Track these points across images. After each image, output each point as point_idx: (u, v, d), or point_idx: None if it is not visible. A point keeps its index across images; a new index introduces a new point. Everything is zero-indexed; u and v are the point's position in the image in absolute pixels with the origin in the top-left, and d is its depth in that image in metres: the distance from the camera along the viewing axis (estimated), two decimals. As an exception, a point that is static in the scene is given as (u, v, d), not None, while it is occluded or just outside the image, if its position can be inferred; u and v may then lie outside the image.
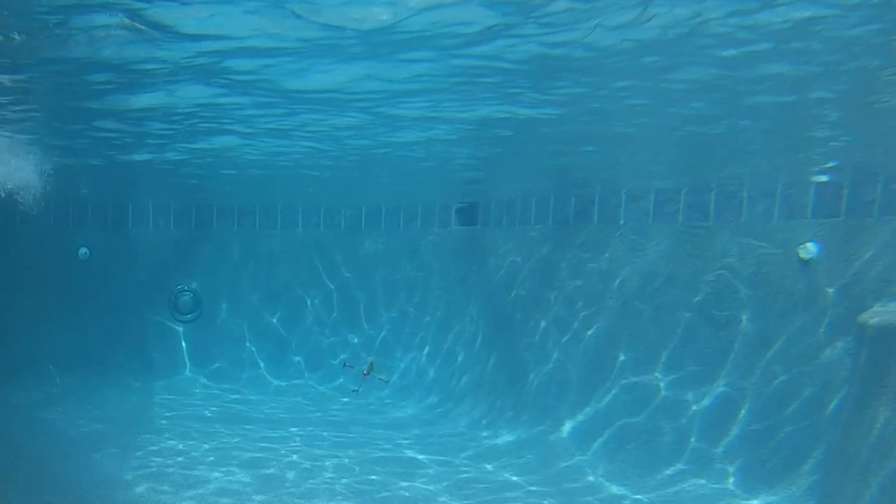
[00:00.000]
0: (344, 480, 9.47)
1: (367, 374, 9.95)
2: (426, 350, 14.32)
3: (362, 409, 13.40)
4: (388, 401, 13.88)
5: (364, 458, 10.47)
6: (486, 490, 9.32)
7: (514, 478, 9.83)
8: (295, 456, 10.46)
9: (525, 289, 12.33)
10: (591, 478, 9.84)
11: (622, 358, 10.61)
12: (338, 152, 10.07)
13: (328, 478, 9.55)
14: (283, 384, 15.02)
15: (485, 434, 11.77)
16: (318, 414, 13.11)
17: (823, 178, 9.41)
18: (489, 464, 10.41)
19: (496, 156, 10.33)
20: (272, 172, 11.84)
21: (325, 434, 11.73)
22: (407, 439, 11.55)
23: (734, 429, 9.53)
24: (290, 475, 9.59)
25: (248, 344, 15.43)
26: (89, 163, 11.50)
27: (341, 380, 14.82)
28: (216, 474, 9.51)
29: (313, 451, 10.67)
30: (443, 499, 8.95)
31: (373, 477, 9.64)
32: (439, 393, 13.64)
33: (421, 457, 10.64)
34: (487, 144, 9.49)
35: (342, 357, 13.68)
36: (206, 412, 13.02)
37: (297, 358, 15.32)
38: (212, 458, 10.16)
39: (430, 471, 10.02)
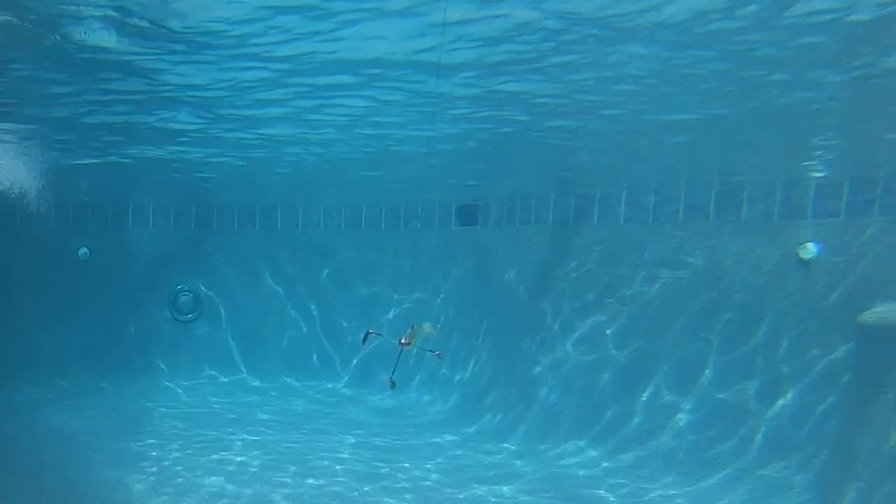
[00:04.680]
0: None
1: (408, 343, 6.23)
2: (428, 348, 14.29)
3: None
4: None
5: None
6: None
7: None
8: (296, 464, 10.48)
9: (525, 288, 12.32)
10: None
11: (623, 357, 10.64)
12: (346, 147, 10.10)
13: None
14: (288, 384, 15.02)
15: (488, 445, 11.76)
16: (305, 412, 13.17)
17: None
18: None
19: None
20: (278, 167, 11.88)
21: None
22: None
23: (733, 429, 9.54)
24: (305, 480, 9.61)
25: (248, 345, 15.41)
26: (89, 162, 11.51)
27: (347, 377, 14.86)
28: (216, 476, 9.52)
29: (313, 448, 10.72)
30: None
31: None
32: (439, 390, 13.66)
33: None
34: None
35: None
36: (207, 412, 13.00)
37: (299, 358, 15.32)
38: (214, 460, 10.16)
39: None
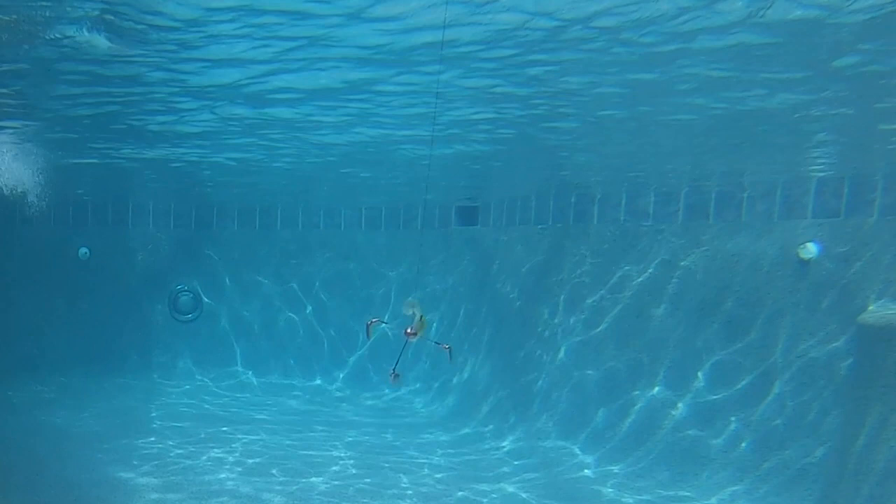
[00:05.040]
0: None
1: (415, 334, 5.78)
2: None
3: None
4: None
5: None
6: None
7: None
8: (295, 462, 10.48)
9: (526, 288, 12.31)
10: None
11: (623, 357, 10.63)
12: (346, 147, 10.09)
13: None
14: (285, 384, 15.03)
15: (489, 441, 11.76)
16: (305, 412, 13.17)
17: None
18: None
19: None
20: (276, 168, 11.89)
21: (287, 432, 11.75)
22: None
23: (733, 428, 9.53)
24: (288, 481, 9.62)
25: (247, 344, 15.42)
26: (90, 162, 11.52)
27: (344, 377, 14.88)
28: (219, 475, 9.53)
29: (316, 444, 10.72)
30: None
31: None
32: (437, 390, 13.66)
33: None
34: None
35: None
36: (206, 412, 13.01)
37: (297, 357, 15.34)
38: (212, 459, 10.17)
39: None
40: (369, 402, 14.02)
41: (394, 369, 6.18)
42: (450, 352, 6.15)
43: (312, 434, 11.72)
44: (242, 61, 6.30)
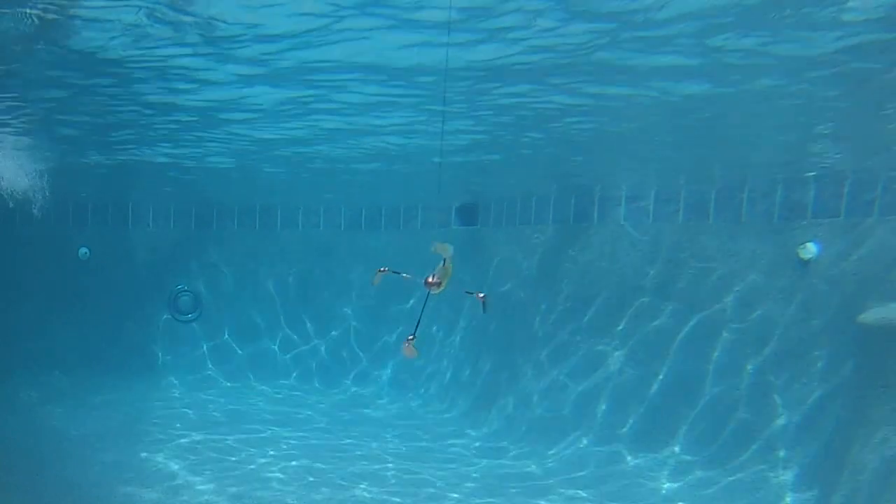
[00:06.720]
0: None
1: (438, 283, 4.86)
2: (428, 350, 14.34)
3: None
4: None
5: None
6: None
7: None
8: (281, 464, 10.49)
9: (524, 287, 12.32)
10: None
11: (620, 355, 10.64)
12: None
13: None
14: (285, 384, 15.02)
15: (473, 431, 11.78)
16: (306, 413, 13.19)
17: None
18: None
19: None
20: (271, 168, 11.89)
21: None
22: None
23: (732, 429, 9.54)
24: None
25: (247, 344, 15.40)
26: (90, 162, 11.52)
27: (351, 379, 14.85)
28: (214, 475, 9.53)
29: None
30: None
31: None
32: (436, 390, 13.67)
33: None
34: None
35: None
36: (206, 412, 13.00)
37: (299, 357, 15.34)
38: (211, 457, 10.18)
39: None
40: (378, 406, 14.00)
41: (413, 334, 5.14)
42: (484, 302, 5.34)
43: (318, 433, 11.73)
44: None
